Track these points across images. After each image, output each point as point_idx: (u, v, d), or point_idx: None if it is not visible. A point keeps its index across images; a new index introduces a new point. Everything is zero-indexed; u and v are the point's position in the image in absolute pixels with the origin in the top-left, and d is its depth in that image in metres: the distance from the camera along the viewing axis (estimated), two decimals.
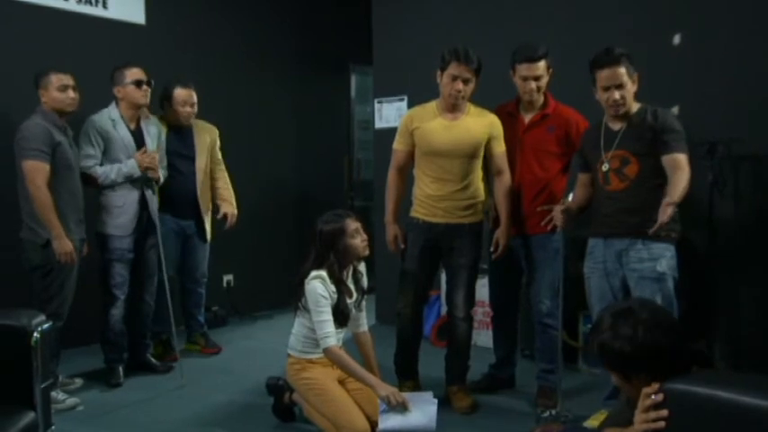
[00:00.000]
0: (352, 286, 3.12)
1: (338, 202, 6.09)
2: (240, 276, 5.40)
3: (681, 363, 1.71)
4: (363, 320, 3.22)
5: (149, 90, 3.79)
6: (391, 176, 3.47)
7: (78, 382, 3.75)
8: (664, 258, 2.82)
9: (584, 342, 3.90)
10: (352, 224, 3.05)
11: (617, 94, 2.82)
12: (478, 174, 3.37)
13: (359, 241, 3.04)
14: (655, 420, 1.63)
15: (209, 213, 4.29)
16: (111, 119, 3.72)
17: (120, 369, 3.81)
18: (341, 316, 3.02)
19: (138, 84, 3.72)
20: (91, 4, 4.43)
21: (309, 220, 5.76)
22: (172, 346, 4.03)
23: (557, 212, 3.11)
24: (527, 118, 3.38)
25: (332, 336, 2.93)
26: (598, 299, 3.02)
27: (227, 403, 3.53)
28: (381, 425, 2.79)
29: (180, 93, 4.06)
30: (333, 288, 2.99)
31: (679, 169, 2.75)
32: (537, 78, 3.24)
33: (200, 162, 4.19)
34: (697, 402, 1.57)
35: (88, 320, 3.76)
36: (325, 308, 2.94)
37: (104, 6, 4.49)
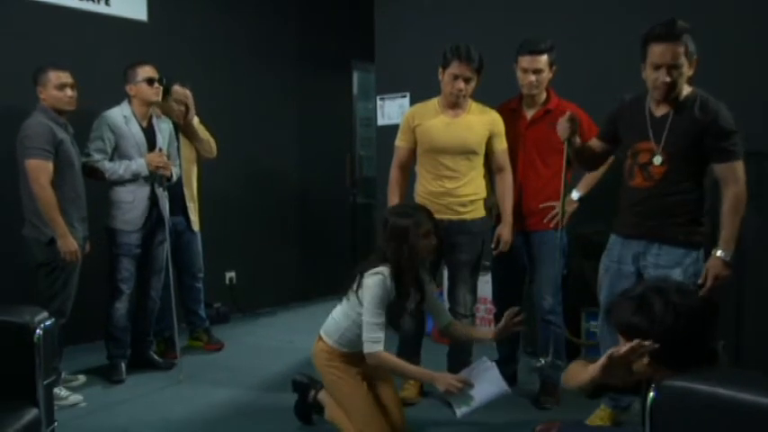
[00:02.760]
0: (412, 291, 2.90)
1: (340, 200, 6.11)
2: (242, 273, 5.40)
3: (695, 355, 1.71)
4: (444, 314, 3.09)
5: (161, 88, 3.82)
6: (393, 173, 3.47)
7: (81, 378, 3.76)
8: (680, 267, 2.61)
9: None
10: (427, 222, 2.81)
11: (667, 76, 2.49)
12: (480, 171, 3.37)
13: (430, 243, 2.81)
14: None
15: (195, 203, 4.29)
16: (123, 115, 3.75)
17: (123, 366, 3.82)
18: (395, 319, 2.87)
19: (149, 81, 3.74)
20: (93, 1, 4.43)
21: (311, 217, 5.85)
22: (174, 343, 4.04)
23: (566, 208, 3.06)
24: (529, 114, 3.38)
25: (380, 342, 2.73)
26: (606, 297, 2.90)
27: (230, 400, 3.54)
28: (458, 413, 2.71)
29: (177, 90, 4.09)
30: (393, 288, 2.77)
31: (730, 185, 2.54)
32: (537, 72, 3.24)
33: (185, 153, 4.21)
34: (698, 400, 1.56)
35: (90, 317, 3.77)
36: (381, 309, 2.73)
37: (107, 3, 4.49)
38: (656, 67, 2.53)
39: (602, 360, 1.76)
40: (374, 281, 2.74)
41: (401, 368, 2.84)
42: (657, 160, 2.63)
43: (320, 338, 2.97)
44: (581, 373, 1.89)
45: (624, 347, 1.71)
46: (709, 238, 2.71)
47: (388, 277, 2.76)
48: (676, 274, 2.59)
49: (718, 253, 2.54)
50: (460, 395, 2.69)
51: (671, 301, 1.71)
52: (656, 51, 2.52)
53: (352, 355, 2.90)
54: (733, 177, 2.54)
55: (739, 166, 2.55)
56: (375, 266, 2.78)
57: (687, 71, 2.55)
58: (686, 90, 2.61)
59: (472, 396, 2.70)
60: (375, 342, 2.74)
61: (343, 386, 2.88)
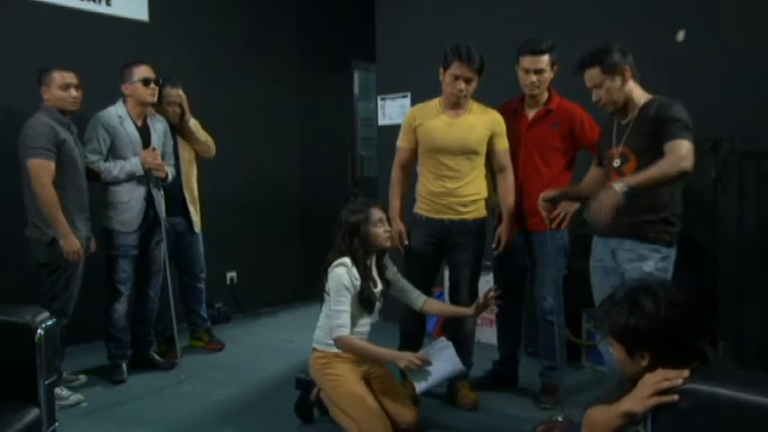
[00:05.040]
0: (377, 277, 3.10)
1: (341, 199, 6.09)
2: (243, 273, 5.41)
3: (691, 351, 1.71)
4: (415, 294, 3.22)
5: (157, 88, 3.81)
6: (395, 173, 3.47)
7: (82, 378, 3.76)
8: (651, 260, 2.72)
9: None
10: (377, 213, 3.03)
11: (594, 96, 2.79)
12: (481, 170, 3.37)
13: (381, 231, 3.02)
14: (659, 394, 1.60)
15: (196, 204, 4.28)
16: (118, 115, 3.74)
17: (124, 365, 3.83)
18: (367, 302, 3.00)
19: (145, 82, 3.73)
20: (94, 1, 4.43)
21: (312, 217, 5.86)
22: (175, 343, 4.04)
23: (566, 208, 3.14)
24: (531, 114, 3.38)
25: (345, 327, 2.90)
26: (599, 297, 2.96)
27: (231, 399, 3.54)
28: (418, 388, 2.89)
29: (170, 92, 4.06)
30: (356, 275, 2.96)
31: (669, 154, 2.55)
32: (538, 72, 3.24)
33: (184, 154, 4.21)
34: (698, 400, 1.56)
35: (91, 317, 3.77)
36: (344, 298, 2.91)
37: (108, 3, 4.49)
38: (591, 89, 2.81)
39: (651, 401, 1.62)
40: (337, 272, 2.94)
41: (366, 350, 2.95)
42: (617, 163, 2.80)
43: (314, 350, 3.08)
44: (610, 412, 1.74)
45: (672, 378, 1.61)
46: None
47: (351, 267, 2.95)
48: (648, 267, 2.72)
49: (618, 184, 2.54)
50: (420, 372, 2.88)
51: (659, 296, 1.72)
52: (585, 77, 2.80)
53: (344, 354, 2.98)
54: (675, 149, 2.55)
55: (683, 144, 2.55)
56: (337, 259, 2.96)
57: (615, 85, 2.74)
58: (645, 98, 2.80)
59: (430, 372, 2.89)
60: (340, 327, 2.90)
61: (342, 388, 2.92)
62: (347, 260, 2.96)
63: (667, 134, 2.63)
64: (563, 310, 3.42)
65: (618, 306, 1.77)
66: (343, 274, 2.93)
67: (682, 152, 2.55)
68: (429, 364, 2.87)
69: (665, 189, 2.76)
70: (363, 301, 2.99)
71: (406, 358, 2.86)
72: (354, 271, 2.96)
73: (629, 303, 1.74)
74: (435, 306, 3.31)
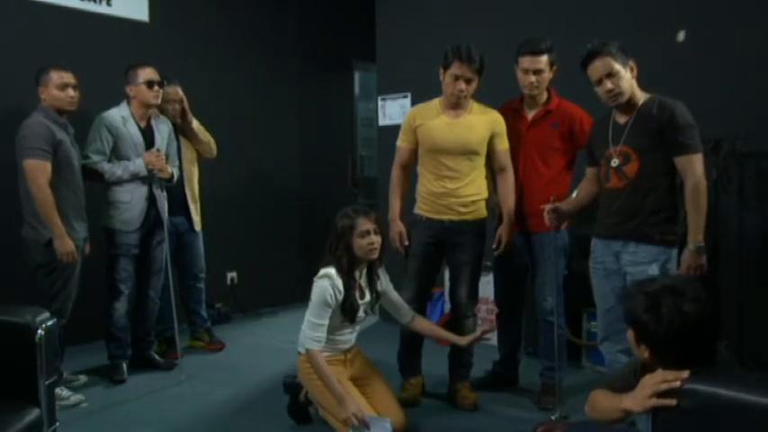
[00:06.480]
0: (366, 287, 3.06)
1: (342, 200, 6.10)
2: (244, 273, 5.41)
3: (695, 356, 1.71)
4: (404, 310, 3.19)
5: (161, 90, 3.81)
6: (395, 174, 3.47)
7: (82, 378, 3.76)
8: (656, 263, 2.72)
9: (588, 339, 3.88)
10: (365, 224, 2.95)
11: (609, 84, 2.71)
12: (482, 171, 3.37)
13: (365, 243, 2.94)
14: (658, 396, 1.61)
15: (197, 203, 4.28)
16: (121, 116, 3.74)
17: (124, 366, 3.82)
18: (350, 310, 2.96)
19: (149, 84, 3.73)
20: (95, 1, 4.43)
21: (313, 218, 5.86)
22: (175, 343, 4.04)
23: (546, 212, 3.07)
24: (531, 114, 3.38)
25: (319, 342, 2.88)
26: (600, 299, 2.98)
27: (231, 400, 3.54)
28: None
29: (168, 91, 4.03)
30: (340, 286, 2.92)
31: (687, 177, 2.66)
32: (537, 72, 3.24)
33: (186, 153, 4.22)
34: (699, 400, 1.56)
35: (91, 317, 3.77)
36: (325, 313, 2.89)
37: (108, 4, 4.49)
38: (599, 82, 2.75)
39: (650, 402, 1.64)
40: (320, 285, 2.90)
41: (325, 377, 2.85)
42: (616, 162, 2.79)
43: (299, 353, 3.04)
44: (612, 404, 1.80)
45: (670, 379, 1.63)
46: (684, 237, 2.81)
47: (335, 277, 2.90)
48: (653, 270, 2.71)
49: (689, 246, 2.68)
50: (357, 428, 2.78)
51: (682, 308, 1.69)
52: (591, 69, 2.75)
53: (333, 358, 2.96)
54: (690, 169, 2.67)
55: (696, 159, 2.69)
56: (323, 269, 2.93)
57: (626, 75, 2.74)
58: (644, 96, 2.79)
59: None
60: (315, 340, 2.89)
61: (329, 393, 2.89)
62: (332, 271, 2.91)
63: (677, 146, 2.68)
64: (563, 311, 3.42)
65: (644, 296, 1.76)
66: (326, 287, 2.88)
67: (697, 172, 2.66)
68: (367, 428, 2.78)
69: (668, 191, 2.76)
70: (346, 310, 2.95)
71: (349, 411, 2.76)
72: (339, 281, 2.91)
73: (651, 300, 1.73)
74: (424, 324, 3.26)
